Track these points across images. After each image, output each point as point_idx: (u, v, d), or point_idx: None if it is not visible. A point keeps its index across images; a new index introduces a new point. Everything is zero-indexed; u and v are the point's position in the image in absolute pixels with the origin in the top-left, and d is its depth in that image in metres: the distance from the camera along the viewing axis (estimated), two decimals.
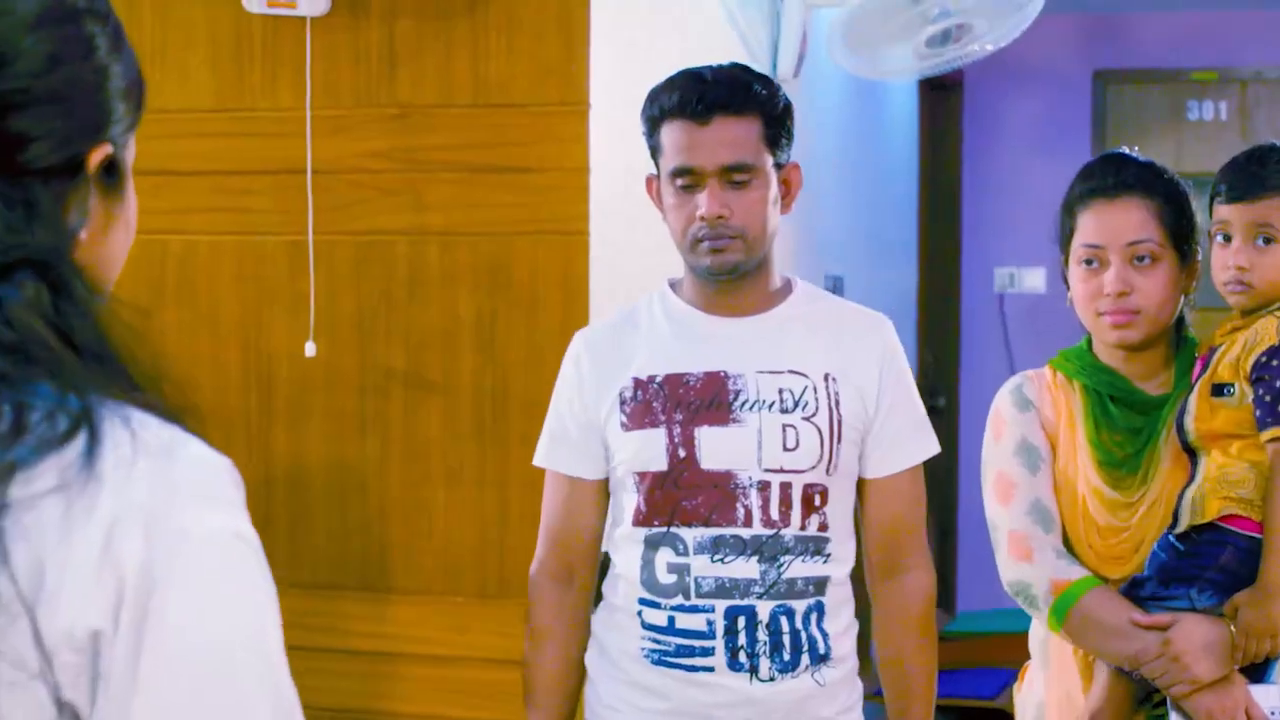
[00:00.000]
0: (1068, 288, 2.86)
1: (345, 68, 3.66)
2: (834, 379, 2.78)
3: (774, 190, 2.77)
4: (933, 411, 8.02)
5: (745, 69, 2.82)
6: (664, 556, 2.75)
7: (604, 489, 2.87)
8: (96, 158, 1.26)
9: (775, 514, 2.73)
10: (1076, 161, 3.03)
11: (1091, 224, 2.79)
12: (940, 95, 7.64)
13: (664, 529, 2.75)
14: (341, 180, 3.65)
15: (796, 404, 2.75)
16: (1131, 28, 7.79)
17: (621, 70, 3.68)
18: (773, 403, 2.75)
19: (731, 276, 2.77)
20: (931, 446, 2.88)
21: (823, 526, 2.76)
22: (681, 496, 2.74)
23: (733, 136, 2.73)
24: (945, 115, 7.77)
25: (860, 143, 6.32)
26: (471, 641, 3.61)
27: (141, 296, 3.62)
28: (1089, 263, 2.79)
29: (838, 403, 2.77)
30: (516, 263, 3.58)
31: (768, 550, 2.72)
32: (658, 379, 2.79)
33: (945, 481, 7.35)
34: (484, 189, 3.59)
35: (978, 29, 4.20)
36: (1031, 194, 6.25)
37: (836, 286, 5.45)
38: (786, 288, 2.88)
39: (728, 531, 2.72)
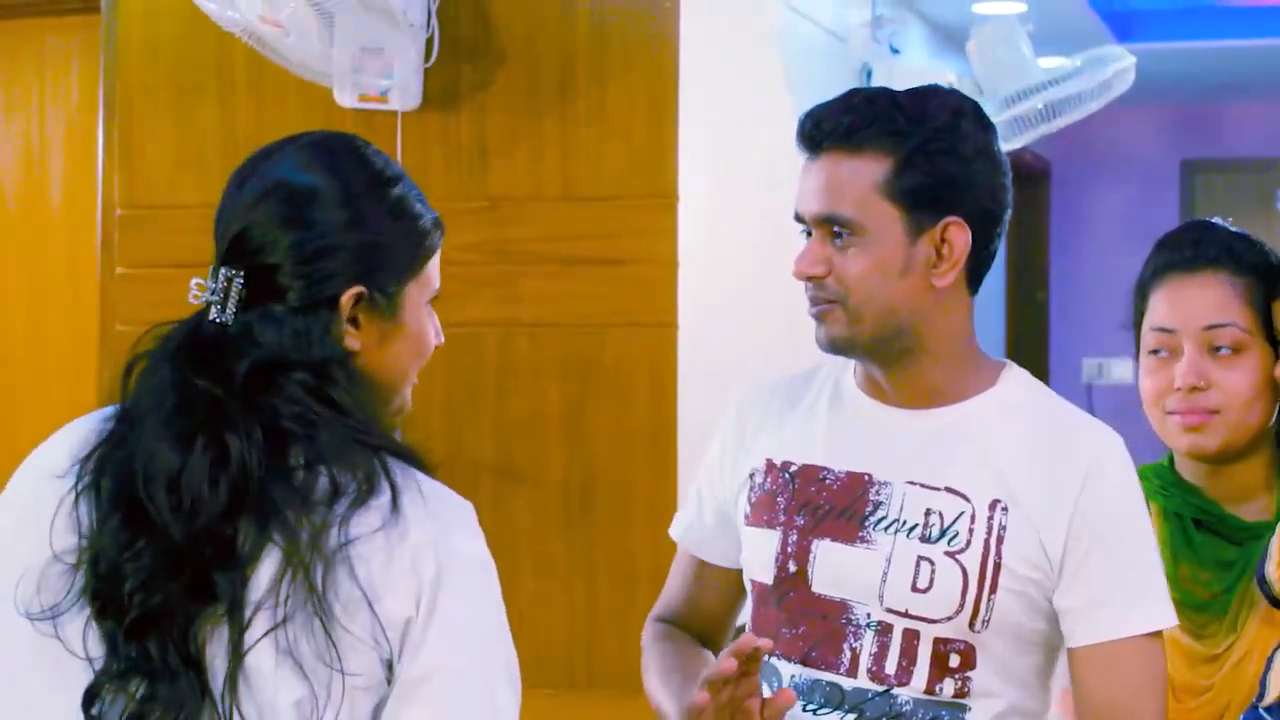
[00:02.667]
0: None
1: (436, 161, 3.69)
2: (1004, 509, 2.06)
3: (902, 254, 2.07)
4: None
5: (919, 92, 2.14)
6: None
7: (739, 581, 2.27)
8: (347, 298, 1.75)
9: (890, 667, 2.07)
10: None
11: (1164, 304, 2.30)
12: (1028, 185, 7.63)
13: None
14: None
15: (943, 534, 2.07)
16: (1220, 118, 7.76)
17: (710, 163, 3.69)
18: (914, 526, 2.08)
19: (842, 354, 2.15)
20: (1163, 615, 2.08)
21: (962, 693, 2.07)
22: (783, 621, 2.14)
23: (834, 178, 2.07)
24: (1033, 205, 7.75)
25: None
26: None
27: None
28: (1157, 352, 2.30)
29: (1000, 540, 2.05)
30: (605, 354, 3.59)
31: (870, 711, 2.07)
32: (793, 468, 2.16)
33: None
34: (573, 281, 3.61)
35: (1070, 116, 4.24)
36: (1119, 284, 6.19)
37: None
38: (989, 377, 2.16)
39: (825, 677, 2.10)
